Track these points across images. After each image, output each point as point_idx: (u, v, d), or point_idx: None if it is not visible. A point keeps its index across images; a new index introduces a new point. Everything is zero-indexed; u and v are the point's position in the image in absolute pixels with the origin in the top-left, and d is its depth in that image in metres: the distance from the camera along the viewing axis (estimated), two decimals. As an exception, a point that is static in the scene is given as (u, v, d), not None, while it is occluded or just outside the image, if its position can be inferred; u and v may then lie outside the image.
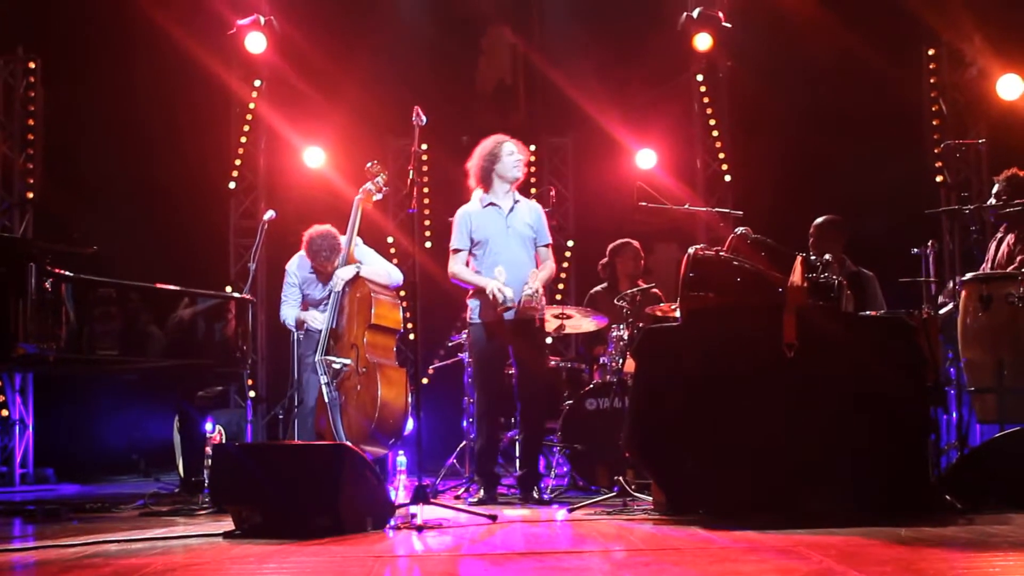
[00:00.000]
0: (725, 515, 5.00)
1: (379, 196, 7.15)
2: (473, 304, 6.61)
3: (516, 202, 6.68)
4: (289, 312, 7.34)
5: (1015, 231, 6.81)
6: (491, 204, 6.65)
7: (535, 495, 6.47)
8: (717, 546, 4.33)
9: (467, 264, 6.62)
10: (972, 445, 6.20)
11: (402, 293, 7.73)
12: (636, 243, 8.32)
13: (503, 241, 6.58)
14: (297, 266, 7.38)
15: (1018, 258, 6.61)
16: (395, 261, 7.93)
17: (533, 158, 10.99)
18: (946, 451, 6.87)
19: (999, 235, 6.99)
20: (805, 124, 10.15)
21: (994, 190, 6.92)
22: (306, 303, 7.35)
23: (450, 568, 4.01)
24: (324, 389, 6.79)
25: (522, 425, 6.74)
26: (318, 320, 7.03)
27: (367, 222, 7.29)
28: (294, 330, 7.39)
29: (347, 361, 6.77)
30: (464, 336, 7.66)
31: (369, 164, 6.99)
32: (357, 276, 6.96)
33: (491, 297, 6.35)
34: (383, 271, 7.18)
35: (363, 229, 7.22)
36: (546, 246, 6.72)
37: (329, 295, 7.04)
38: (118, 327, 6.37)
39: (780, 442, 5.15)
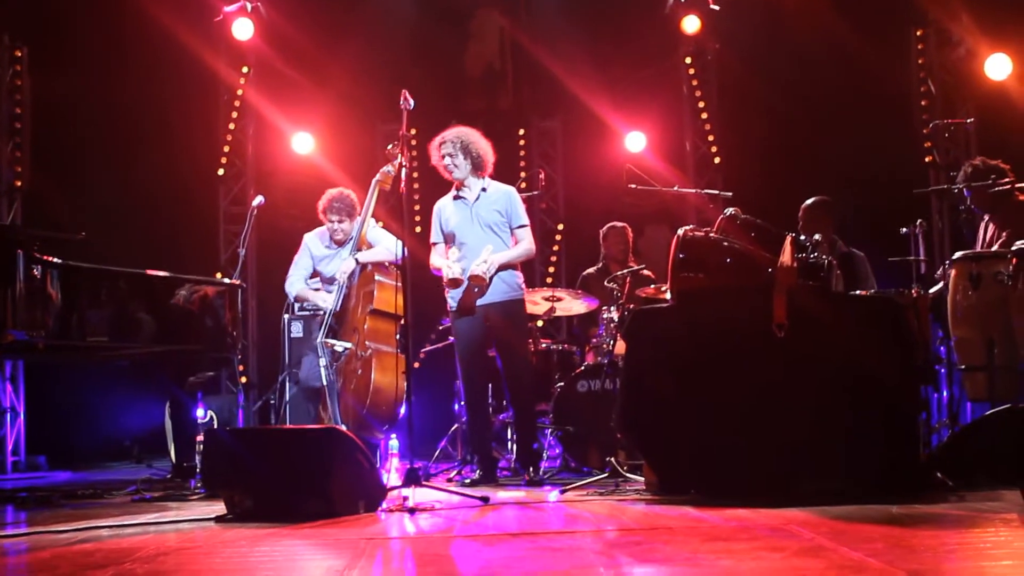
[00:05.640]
0: (716, 495, 5.02)
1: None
2: (451, 293, 6.62)
3: (483, 190, 6.66)
4: (295, 284, 7.37)
5: (993, 216, 6.81)
6: (457, 196, 6.69)
7: (532, 473, 6.48)
8: (709, 525, 4.35)
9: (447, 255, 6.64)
10: (963, 423, 6.22)
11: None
12: (621, 225, 8.31)
13: (468, 230, 6.60)
14: (314, 239, 7.40)
15: (1003, 235, 6.61)
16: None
17: (522, 142, 11.07)
18: (937, 429, 6.91)
19: (986, 218, 6.99)
20: (793, 105, 10.15)
21: (958, 184, 6.86)
22: (319, 277, 7.36)
23: (443, 549, 4.02)
24: (323, 372, 6.80)
25: (512, 406, 6.76)
26: (327, 300, 7.04)
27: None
28: (294, 302, 7.42)
29: (348, 344, 6.78)
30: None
31: (390, 146, 7.01)
32: (360, 264, 6.97)
33: (444, 279, 6.45)
34: (385, 252, 7.10)
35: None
36: (520, 227, 6.66)
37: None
38: (107, 313, 6.34)
39: (771, 422, 5.14)
